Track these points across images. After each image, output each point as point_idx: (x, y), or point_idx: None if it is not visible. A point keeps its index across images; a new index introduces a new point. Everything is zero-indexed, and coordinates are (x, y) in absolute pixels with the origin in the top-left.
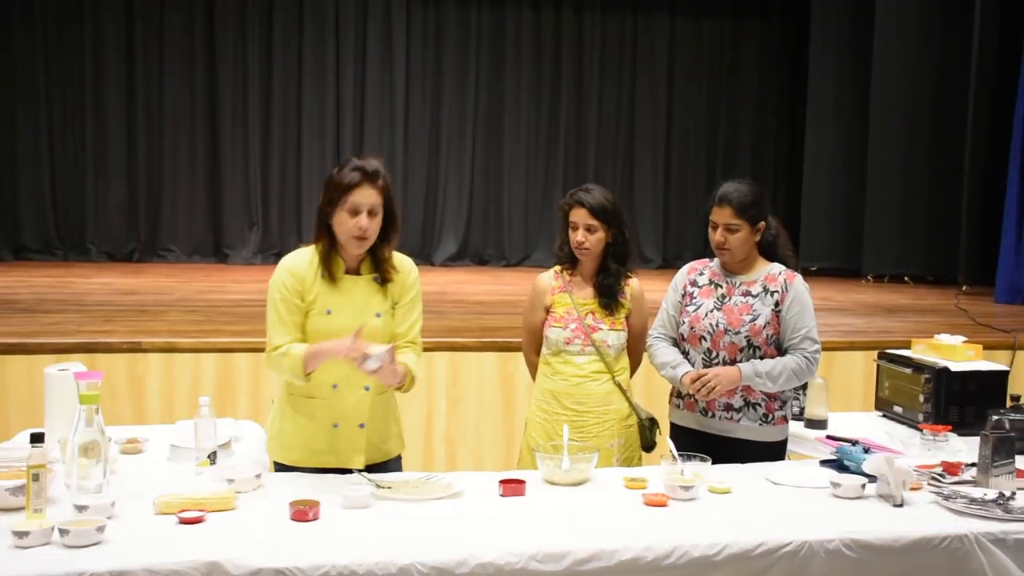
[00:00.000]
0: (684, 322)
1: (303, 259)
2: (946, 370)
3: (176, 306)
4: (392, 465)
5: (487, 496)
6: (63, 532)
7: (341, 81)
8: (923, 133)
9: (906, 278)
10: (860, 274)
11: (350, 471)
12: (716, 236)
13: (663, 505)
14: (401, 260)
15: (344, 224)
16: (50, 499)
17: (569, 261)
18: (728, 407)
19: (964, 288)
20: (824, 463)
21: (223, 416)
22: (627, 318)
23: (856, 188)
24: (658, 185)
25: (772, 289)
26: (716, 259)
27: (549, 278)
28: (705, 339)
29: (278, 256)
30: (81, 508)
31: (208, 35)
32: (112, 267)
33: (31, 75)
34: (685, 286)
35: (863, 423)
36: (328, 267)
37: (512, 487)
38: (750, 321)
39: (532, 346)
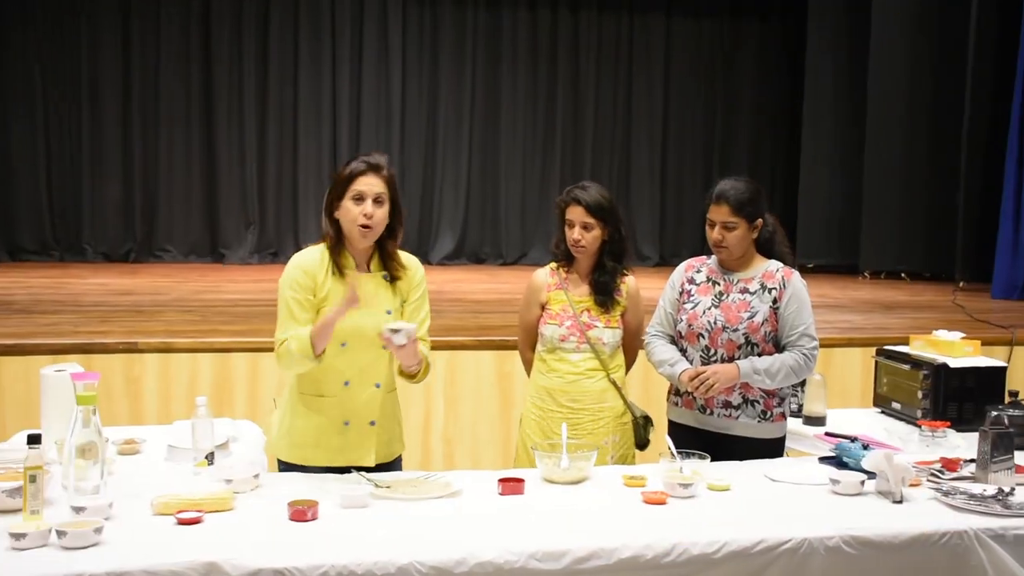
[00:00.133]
0: (682, 320)
1: (314, 256)
2: (944, 366)
3: (172, 306)
4: (395, 465)
5: (486, 495)
6: (60, 534)
7: (337, 80)
8: (920, 130)
9: (903, 275)
10: (857, 271)
11: (360, 470)
12: (713, 234)
13: (662, 503)
14: (408, 258)
15: (349, 212)
16: (47, 500)
17: (565, 258)
18: (727, 404)
19: (961, 284)
20: (823, 460)
21: (220, 416)
22: (623, 316)
23: (853, 185)
24: (655, 183)
25: (770, 286)
26: (713, 257)
27: (545, 275)
28: (703, 336)
29: (275, 256)
30: (78, 509)
31: (204, 34)
32: (108, 268)
33: (27, 74)
34: (683, 284)
35: (862, 420)
36: (338, 263)
37: (511, 486)
38: (748, 318)
39: (527, 343)
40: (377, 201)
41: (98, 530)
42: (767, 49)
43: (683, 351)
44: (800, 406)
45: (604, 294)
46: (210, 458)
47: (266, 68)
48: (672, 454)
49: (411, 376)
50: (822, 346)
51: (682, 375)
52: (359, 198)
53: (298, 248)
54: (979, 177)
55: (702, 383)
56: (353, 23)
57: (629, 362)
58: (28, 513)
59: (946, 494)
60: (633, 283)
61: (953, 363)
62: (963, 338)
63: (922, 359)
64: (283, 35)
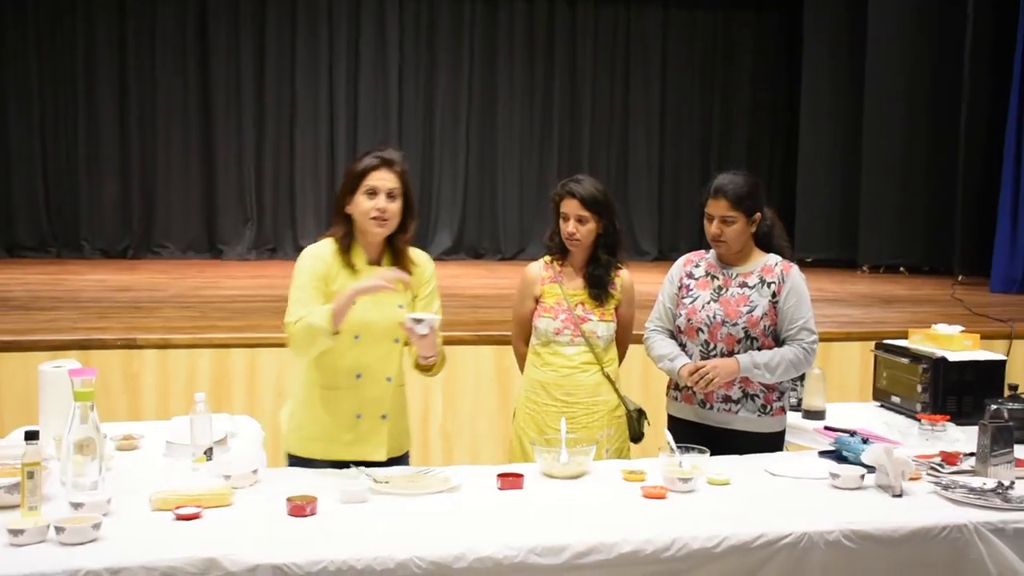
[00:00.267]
0: (681, 314)
1: (327, 248)
2: (944, 360)
3: (171, 302)
4: (404, 460)
5: (485, 490)
6: (59, 530)
7: (334, 75)
8: (918, 124)
9: (902, 268)
10: (856, 265)
11: (370, 464)
12: (712, 228)
13: (662, 497)
14: (418, 254)
15: (362, 206)
16: (46, 496)
17: (559, 252)
18: (726, 399)
19: (960, 278)
20: (823, 454)
21: (219, 412)
22: (616, 309)
23: (851, 179)
24: (653, 177)
25: (769, 280)
26: (712, 251)
27: (539, 268)
28: (702, 331)
29: (272, 252)
30: (77, 505)
31: (200, 29)
32: (106, 264)
33: (23, 71)
34: (681, 278)
35: (861, 414)
36: (349, 258)
37: (510, 480)
38: (747, 312)
39: (521, 337)
40: (390, 196)
41: (96, 526)
42: (764, 42)
43: (682, 346)
44: (799, 400)
45: (598, 287)
46: (209, 454)
47: (263, 64)
48: (672, 449)
49: (427, 368)
50: (821, 340)
51: (682, 370)
52: (372, 193)
53: (296, 244)
54: (977, 171)
55: (702, 377)
56: (350, 19)
57: (620, 355)
58: (26, 509)
59: (946, 488)
60: (627, 276)
61: (952, 357)
62: (962, 332)
63: (921, 353)
64: (280, 31)
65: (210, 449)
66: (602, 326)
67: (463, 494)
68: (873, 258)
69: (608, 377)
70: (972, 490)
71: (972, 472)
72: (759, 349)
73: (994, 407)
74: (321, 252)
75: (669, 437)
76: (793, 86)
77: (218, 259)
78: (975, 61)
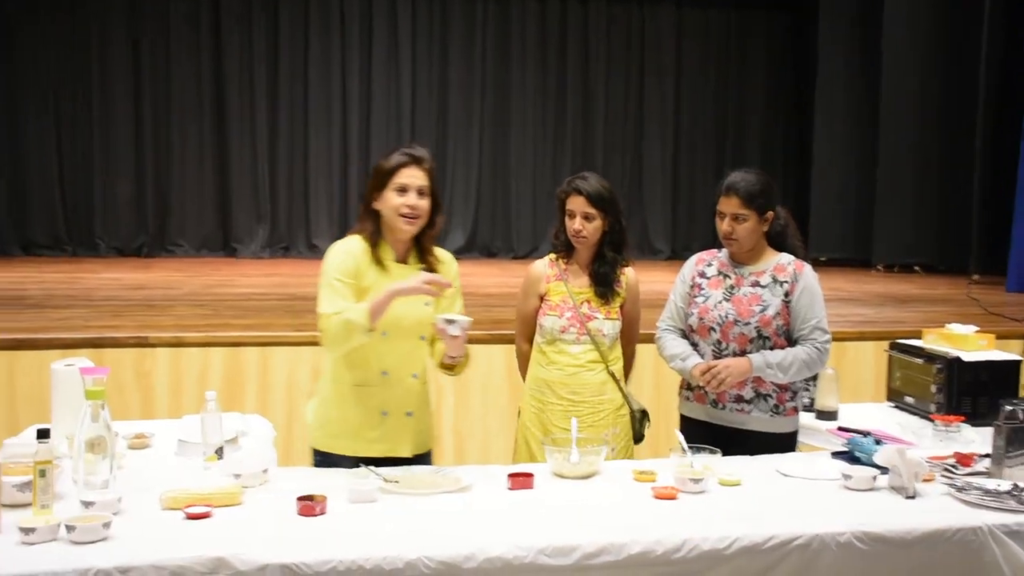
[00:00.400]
0: (693, 313)
1: (355, 245)
2: (958, 360)
3: (184, 300)
4: (427, 457)
5: (495, 490)
6: (69, 528)
7: (347, 74)
8: (933, 122)
9: (916, 268)
10: (870, 264)
11: (396, 461)
12: (723, 226)
13: (673, 498)
14: (442, 252)
15: (392, 202)
16: (58, 495)
17: (565, 249)
18: (739, 398)
19: (975, 277)
20: (835, 455)
21: (231, 410)
22: (622, 307)
23: (866, 178)
24: (666, 175)
25: (781, 279)
26: (724, 250)
27: (544, 266)
28: (714, 330)
29: (286, 250)
30: (88, 504)
31: (214, 28)
32: (121, 262)
33: (38, 72)
34: (693, 277)
35: (875, 414)
36: (377, 254)
37: (520, 480)
38: (760, 312)
39: (524, 335)
40: (420, 193)
41: (107, 525)
42: (777, 41)
43: (694, 345)
44: (812, 400)
45: (604, 285)
46: (219, 452)
47: (276, 63)
48: (683, 449)
49: (451, 368)
50: (834, 340)
51: (694, 369)
52: (402, 190)
53: (309, 242)
54: (993, 170)
55: (714, 377)
56: (362, 18)
57: (629, 354)
58: (38, 507)
59: (960, 489)
60: (632, 274)
61: (967, 357)
62: (977, 331)
63: (935, 353)
64: (293, 31)
65: (221, 448)
66: (608, 324)
67: (473, 494)
68: (887, 257)
69: (613, 375)
70: (987, 492)
71: (987, 474)
72: (771, 349)
73: (1009, 408)
74: (351, 248)
75: (680, 437)
76: (807, 85)
77: (232, 257)
78: (991, 59)
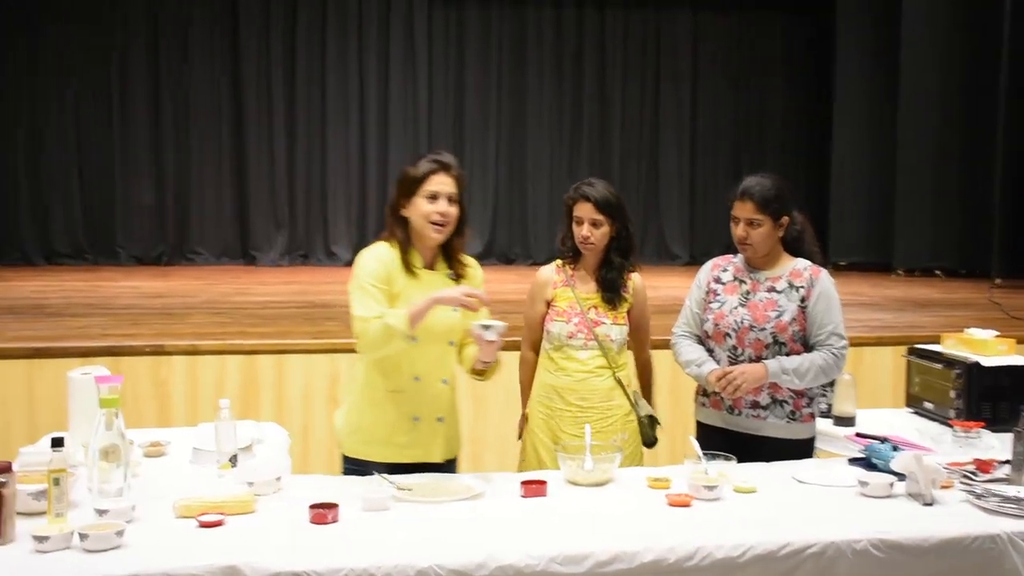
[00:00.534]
0: (708, 319)
1: (384, 252)
2: (977, 365)
3: (201, 309)
4: (455, 463)
5: (508, 497)
6: (82, 536)
7: (364, 81)
8: (953, 124)
9: (938, 272)
10: (891, 268)
11: (427, 466)
12: (738, 230)
13: (687, 505)
14: (468, 258)
15: (421, 209)
16: (73, 503)
17: (572, 255)
18: (755, 405)
19: (997, 281)
20: (852, 461)
21: (247, 418)
22: (629, 312)
23: (886, 181)
24: (684, 181)
25: (797, 285)
26: (740, 255)
27: (551, 272)
28: (730, 336)
29: (304, 258)
30: (101, 512)
31: (232, 35)
32: (141, 270)
33: (59, 81)
34: (709, 283)
35: (893, 420)
36: (407, 260)
37: (533, 488)
38: (775, 317)
39: (530, 341)
40: (450, 200)
41: (119, 533)
42: (795, 45)
43: (710, 351)
44: (830, 406)
45: (611, 291)
46: (233, 460)
47: (294, 71)
48: (698, 456)
49: (481, 373)
50: (853, 345)
51: (709, 375)
52: (433, 197)
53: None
54: (1014, 172)
55: (729, 383)
56: (379, 25)
57: (645, 361)
58: (52, 516)
59: (979, 496)
60: (639, 280)
61: (986, 362)
62: (997, 336)
63: (954, 358)
64: (310, 37)
65: (235, 456)
66: (615, 329)
67: (486, 501)
68: (908, 261)
69: (620, 382)
70: (1006, 499)
71: (1007, 480)
72: (787, 355)
73: None
74: (381, 255)
75: (695, 444)
76: (825, 88)
77: (252, 265)
78: (1012, 60)
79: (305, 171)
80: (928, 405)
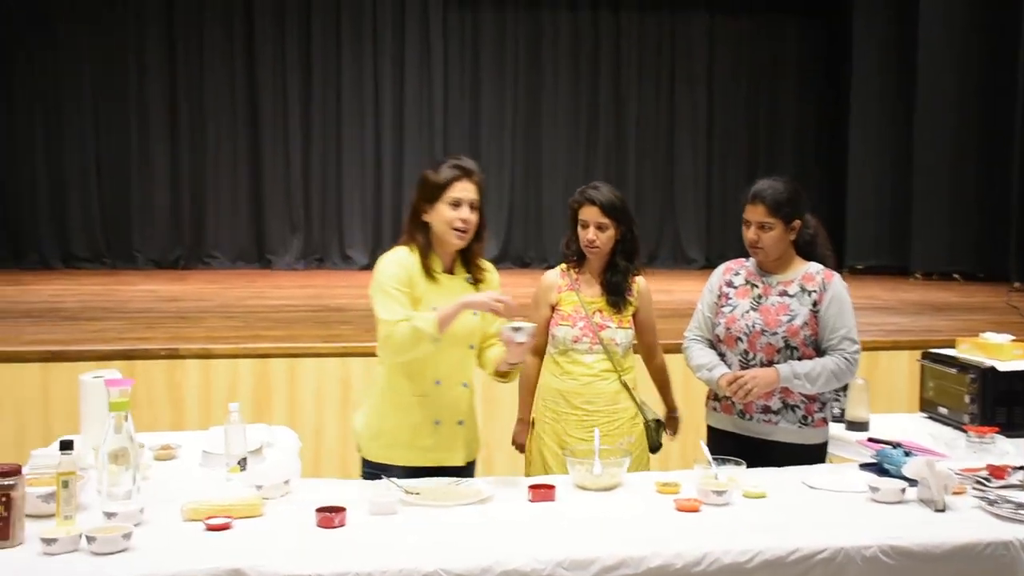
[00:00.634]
0: (720, 323)
1: (405, 257)
2: (992, 370)
3: (216, 312)
4: (474, 466)
5: (516, 502)
6: (90, 539)
7: (379, 83)
8: (971, 127)
9: (955, 275)
10: (908, 272)
11: (448, 470)
12: (749, 233)
13: (695, 510)
14: (485, 263)
15: (444, 215)
16: (83, 506)
17: (576, 259)
18: (766, 409)
19: (1016, 285)
20: (864, 466)
21: (259, 422)
22: (634, 316)
23: (903, 185)
24: (699, 184)
25: (810, 289)
26: (752, 259)
27: (555, 276)
28: (742, 340)
29: (320, 261)
30: (110, 515)
31: (247, 39)
32: (158, 274)
33: (76, 85)
34: (721, 287)
35: (907, 425)
36: (427, 265)
37: (541, 492)
38: (787, 321)
39: (534, 346)
40: (472, 207)
41: (127, 536)
42: (811, 48)
43: (722, 355)
44: (842, 411)
45: (616, 294)
46: (243, 464)
47: (309, 74)
48: (708, 461)
49: (505, 375)
50: (867, 349)
51: (720, 380)
52: (456, 204)
53: (343, 253)
54: None
55: (740, 388)
56: (394, 28)
57: (658, 366)
58: (61, 518)
59: (992, 503)
60: (644, 283)
61: (1001, 366)
62: (1013, 340)
63: (969, 362)
64: (325, 38)
65: (244, 459)
66: (620, 333)
67: (494, 506)
68: (926, 265)
69: (626, 385)
70: (1020, 505)
71: (1020, 487)
72: (799, 359)
73: None
74: (401, 259)
75: (705, 449)
76: (841, 91)
77: (267, 269)
78: None
79: (320, 174)
80: (942, 410)
